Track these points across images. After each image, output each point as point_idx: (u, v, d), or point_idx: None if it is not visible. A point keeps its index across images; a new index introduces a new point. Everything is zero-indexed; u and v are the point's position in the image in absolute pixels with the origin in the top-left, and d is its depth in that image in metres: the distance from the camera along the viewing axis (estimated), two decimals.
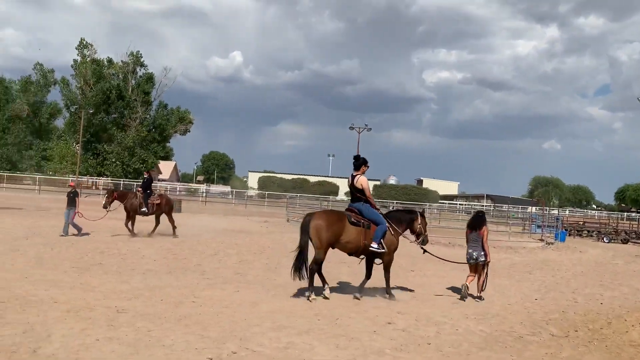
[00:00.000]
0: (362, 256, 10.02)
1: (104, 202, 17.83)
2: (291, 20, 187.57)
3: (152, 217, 18.58)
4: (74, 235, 16.38)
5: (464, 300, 10.18)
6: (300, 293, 9.94)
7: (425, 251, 10.69)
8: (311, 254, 9.46)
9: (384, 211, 10.83)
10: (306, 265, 9.35)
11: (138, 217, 18.14)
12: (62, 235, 16.15)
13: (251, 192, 72.59)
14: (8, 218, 20.49)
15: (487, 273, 10.56)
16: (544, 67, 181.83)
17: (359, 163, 9.79)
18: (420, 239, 10.61)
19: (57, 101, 77.36)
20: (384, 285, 10.17)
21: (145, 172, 20.53)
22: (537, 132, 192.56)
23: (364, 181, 9.75)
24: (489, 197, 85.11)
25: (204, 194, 57.86)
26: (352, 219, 9.62)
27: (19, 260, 11.69)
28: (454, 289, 11.43)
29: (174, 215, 19.62)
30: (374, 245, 9.65)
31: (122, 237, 16.91)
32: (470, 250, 10.53)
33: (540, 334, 7.97)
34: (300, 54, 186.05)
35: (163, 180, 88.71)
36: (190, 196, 59.76)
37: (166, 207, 18.85)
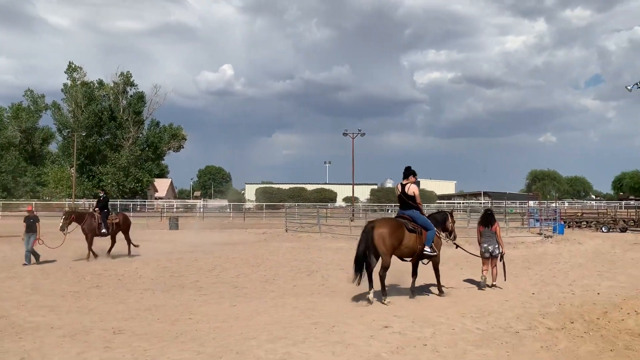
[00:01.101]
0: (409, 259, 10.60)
1: (61, 224, 16.60)
2: (279, 30, 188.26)
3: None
4: (33, 263, 15.27)
5: (484, 289, 11.20)
6: (296, 304, 9.99)
7: (457, 246, 11.72)
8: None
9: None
10: (368, 270, 9.75)
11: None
12: (25, 265, 15.07)
13: (249, 205, 72.59)
14: (5, 246, 20.47)
15: (504, 263, 11.61)
16: (534, 62, 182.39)
17: (409, 173, 10.45)
18: (452, 236, 11.31)
19: (49, 126, 77.56)
20: (378, 288, 10.19)
21: (100, 191, 18.91)
22: (532, 126, 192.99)
23: (415, 189, 10.44)
24: (486, 194, 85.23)
25: (201, 209, 57.83)
26: (409, 226, 10.16)
27: (16, 288, 11.69)
28: (451, 289, 11.46)
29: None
30: (427, 249, 10.33)
31: (119, 258, 16.90)
32: (485, 245, 11.57)
33: (537, 328, 8.00)
34: (291, 63, 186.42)
35: (160, 197, 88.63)
36: (187, 212, 59.75)
37: (124, 226, 17.94)
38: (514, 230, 28.91)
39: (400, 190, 10.51)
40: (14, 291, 11.31)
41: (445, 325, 8.12)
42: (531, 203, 57.05)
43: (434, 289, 11.03)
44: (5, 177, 72.39)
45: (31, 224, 15.70)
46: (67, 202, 59.13)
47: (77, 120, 69.81)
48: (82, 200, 66.03)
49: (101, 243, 17.62)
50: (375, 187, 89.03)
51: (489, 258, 11.54)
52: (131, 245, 17.85)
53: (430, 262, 10.70)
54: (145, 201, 67.97)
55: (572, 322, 8.19)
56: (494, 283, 11.51)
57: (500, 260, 11.55)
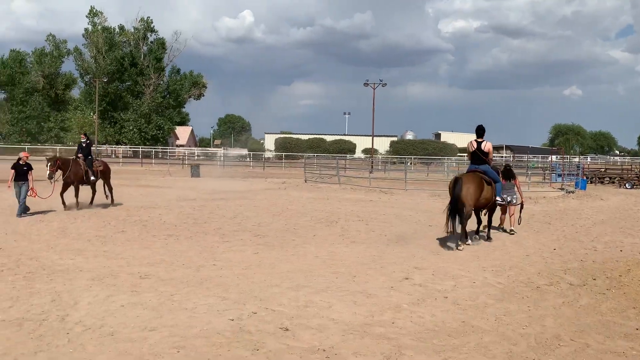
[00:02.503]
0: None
1: (48, 172, 15.04)
2: None
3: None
4: (23, 215, 13.90)
5: (500, 231, 12.70)
6: (317, 253, 10.13)
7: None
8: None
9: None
10: (459, 219, 10.69)
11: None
12: (19, 216, 13.75)
13: (268, 154, 72.85)
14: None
15: (521, 211, 13.01)
16: (563, 11, 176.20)
17: (483, 132, 11.34)
18: None
19: (71, 71, 77.70)
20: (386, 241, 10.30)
21: (82, 135, 17.14)
22: (558, 78, 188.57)
23: (490, 146, 11.47)
24: (508, 147, 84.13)
25: (222, 158, 58.20)
26: (486, 179, 11.19)
27: (44, 231, 12.00)
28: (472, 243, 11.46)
29: None
30: (498, 199, 11.60)
31: (143, 205, 17.18)
32: (505, 196, 12.54)
33: (558, 283, 8.01)
34: (312, 10, 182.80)
35: (181, 145, 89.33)
36: (208, 160, 60.24)
37: (107, 174, 16.87)
38: (536, 185, 28.64)
39: (475, 147, 11.37)
40: (44, 234, 11.63)
41: (466, 278, 8.17)
42: (554, 158, 56.26)
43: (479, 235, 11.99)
44: (29, 123, 73.40)
45: (25, 172, 14.30)
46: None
47: (98, 66, 69.79)
48: (104, 146, 66.99)
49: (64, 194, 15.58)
50: (394, 139, 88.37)
51: (506, 207, 13.02)
52: (112, 193, 16.86)
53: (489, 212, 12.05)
54: (166, 148, 68.60)
55: (594, 279, 8.17)
56: (512, 228, 12.98)
57: (520, 210, 12.95)
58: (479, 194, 10.87)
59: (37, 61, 74.34)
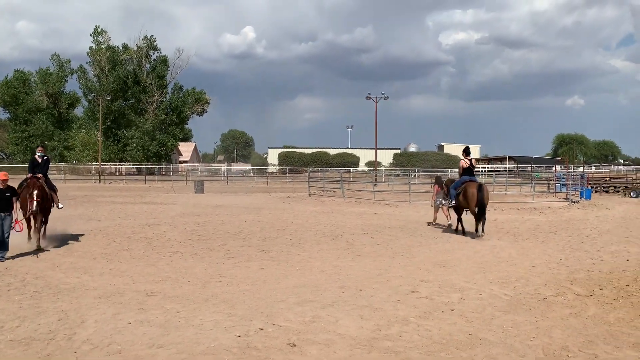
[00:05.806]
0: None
1: (35, 202, 11.38)
2: None
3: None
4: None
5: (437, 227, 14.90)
6: (322, 267, 10.12)
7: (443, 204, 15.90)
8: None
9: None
10: (481, 217, 13.86)
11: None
12: (3, 260, 10.39)
13: (272, 169, 72.94)
14: None
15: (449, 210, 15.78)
16: (563, 21, 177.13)
17: (470, 151, 15.03)
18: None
19: (75, 90, 78.17)
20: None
21: (39, 148, 12.95)
22: (559, 88, 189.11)
23: (475, 161, 14.51)
24: (511, 158, 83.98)
25: (225, 173, 58.30)
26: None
27: (49, 250, 12.01)
28: (478, 254, 11.44)
29: None
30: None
31: (148, 222, 17.21)
32: (440, 199, 15.92)
33: (565, 294, 7.98)
34: (313, 25, 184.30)
35: (184, 162, 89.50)
36: (212, 176, 60.31)
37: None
38: (540, 195, 28.58)
39: (469, 164, 14.68)
40: (48, 253, 11.63)
41: (472, 290, 8.15)
42: (557, 168, 56.15)
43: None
44: (34, 142, 73.63)
45: (7, 200, 10.70)
46: (93, 166, 60.21)
47: (102, 85, 70.25)
48: (108, 164, 67.21)
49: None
50: (398, 151, 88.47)
51: (439, 207, 16.15)
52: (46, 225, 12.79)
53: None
54: (170, 165, 68.76)
55: (601, 289, 8.14)
56: (450, 222, 15.58)
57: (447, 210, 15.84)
58: None
59: (42, 80, 74.88)
